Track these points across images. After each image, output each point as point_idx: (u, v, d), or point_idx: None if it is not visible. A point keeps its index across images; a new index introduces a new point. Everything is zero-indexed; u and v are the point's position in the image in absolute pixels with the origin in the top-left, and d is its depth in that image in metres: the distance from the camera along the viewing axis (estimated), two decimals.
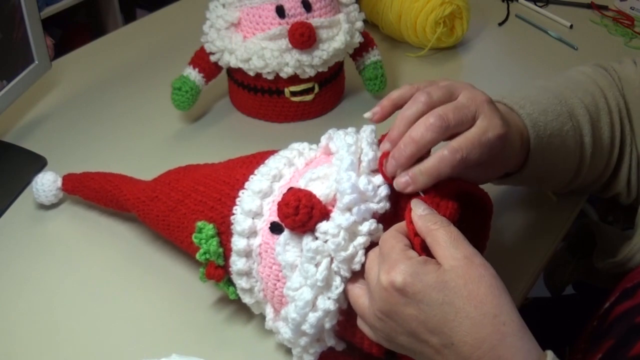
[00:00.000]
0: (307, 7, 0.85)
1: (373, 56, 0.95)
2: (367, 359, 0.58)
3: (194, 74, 0.89)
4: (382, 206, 0.54)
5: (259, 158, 0.63)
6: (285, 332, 0.56)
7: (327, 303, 0.53)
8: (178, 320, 0.65)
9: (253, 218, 0.58)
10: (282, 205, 0.53)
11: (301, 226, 0.53)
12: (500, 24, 1.19)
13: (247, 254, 0.58)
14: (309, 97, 0.90)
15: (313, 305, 0.53)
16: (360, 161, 0.55)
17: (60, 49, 1.78)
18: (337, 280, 0.53)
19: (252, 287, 0.60)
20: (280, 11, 0.84)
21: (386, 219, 0.54)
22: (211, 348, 0.63)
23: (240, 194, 0.59)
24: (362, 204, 0.52)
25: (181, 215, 0.63)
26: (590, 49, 1.11)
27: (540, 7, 1.24)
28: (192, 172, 0.66)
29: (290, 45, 0.83)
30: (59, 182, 0.76)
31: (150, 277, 0.70)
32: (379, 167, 0.55)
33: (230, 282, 0.61)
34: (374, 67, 0.94)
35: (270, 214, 0.57)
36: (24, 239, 0.74)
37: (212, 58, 0.88)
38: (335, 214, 0.53)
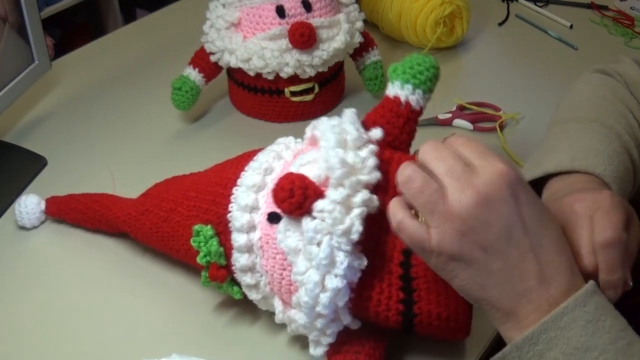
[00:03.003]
0: (307, 7, 0.85)
1: (373, 56, 0.95)
2: (380, 336, 0.59)
3: (194, 74, 0.89)
4: (373, 177, 0.55)
5: (247, 157, 0.63)
6: (300, 318, 0.56)
7: (335, 281, 0.53)
8: (178, 321, 0.65)
9: (250, 212, 0.59)
10: (278, 190, 0.54)
11: (298, 208, 0.54)
12: (500, 24, 1.19)
13: (249, 248, 0.59)
14: (309, 97, 0.90)
15: (323, 286, 0.54)
16: (345, 140, 0.56)
17: (60, 49, 1.78)
18: (341, 256, 0.53)
19: (257, 282, 0.60)
20: (280, 11, 0.84)
21: (379, 189, 0.55)
22: (211, 348, 0.63)
23: (234, 191, 0.60)
24: (353, 177, 0.54)
25: (175, 223, 0.64)
26: (590, 49, 1.11)
27: (540, 7, 1.24)
28: (180, 182, 0.67)
29: (290, 45, 0.83)
30: (42, 205, 0.74)
31: (149, 279, 0.69)
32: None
33: (233, 282, 0.61)
34: (374, 67, 0.94)
35: (267, 206, 0.58)
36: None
37: (212, 58, 0.88)
38: (329, 191, 0.54)
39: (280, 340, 0.63)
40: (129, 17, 2.29)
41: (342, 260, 0.53)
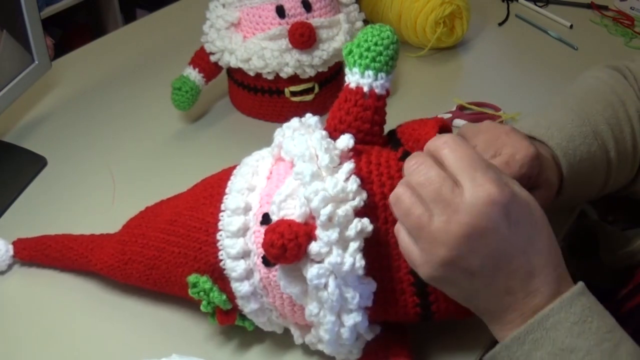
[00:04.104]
0: (307, 7, 0.85)
1: None
2: (403, 330, 0.59)
3: (194, 74, 0.89)
4: (359, 200, 0.52)
5: (218, 188, 0.59)
6: (324, 348, 0.55)
7: (352, 317, 0.52)
8: (178, 321, 0.65)
9: (243, 258, 0.55)
10: (268, 248, 0.50)
11: (295, 259, 0.51)
12: (500, 24, 1.19)
13: (253, 293, 0.56)
14: (309, 97, 0.90)
15: (341, 322, 0.52)
16: (320, 169, 0.53)
17: (60, 49, 1.78)
18: (350, 292, 0.51)
19: (269, 318, 0.59)
20: (280, 11, 0.84)
21: (369, 207, 0.53)
22: (211, 348, 0.63)
23: (218, 237, 0.57)
24: (339, 210, 0.50)
25: (164, 270, 0.61)
26: (590, 49, 1.11)
27: (540, 7, 1.24)
28: (154, 221, 0.62)
29: (290, 45, 0.83)
30: (11, 251, 0.69)
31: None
32: None
33: (244, 316, 0.60)
34: None
35: (257, 246, 0.55)
36: None
37: (212, 58, 0.88)
38: (319, 232, 0.50)
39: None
40: (129, 17, 2.30)
41: (352, 295, 0.51)
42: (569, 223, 0.78)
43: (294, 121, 0.59)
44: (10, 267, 0.70)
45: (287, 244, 0.50)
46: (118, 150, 0.88)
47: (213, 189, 0.60)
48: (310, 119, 0.58)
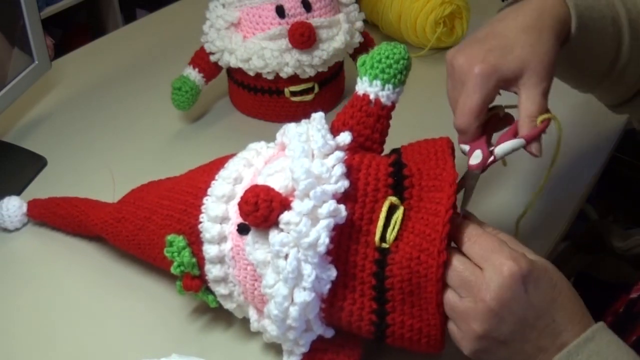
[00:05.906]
0: (307, 7, 0.85)
1: None
2: (356, 343, 0.58)
3: (194, 74, 0.89)
4: (340, 185, 0.53)
5: (219, 163, 0.62)
6: (272, 329, 0.56)
7: (303, 294, 0.52)
8: (178, 321, 0.65)
9: (221, 223, 0.57)
10: (242, 204, 0.53)
11: (264, 221, 0.53)
12: None
13: (221, 260, 0.58)
14: (309, 97, 0.90)
15: (291, 299, 0.53)
16: (312, 149, 0.55)
17: (60, 49, 1.78)
18: (308, 269, 0.52)
19: (231, 292, 0.59)
20: (280, 11, 0.84)
21: (348, 197, 0.54)
22: (211, 348, 0.63)
23: (204, 201, 0.59)
24: (319, 187, 0.52)
25: (150, 232, 0.63)
26: None
27: None
28: (155, 188, 0.66)
29: (290, 45, 0.83)
30: (24, 208, 0.74)
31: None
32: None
33: (208, 291, 0.61)
34: None
35: (237, 216, 0.57)
36: None
37: (212, 58, 0.88)
38: (295, 203, 0.53)
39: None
40: (129, 17, 2.30)
41: (309, 273, 0.52)
42: (569, 223, 0.78)
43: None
44: (24, 225, 0.75)
45: (260, 204, 0.52)
46: (118, 150, 0.88)
47: (214, 164, 0.63)
48: (316, 114, 0.61)
